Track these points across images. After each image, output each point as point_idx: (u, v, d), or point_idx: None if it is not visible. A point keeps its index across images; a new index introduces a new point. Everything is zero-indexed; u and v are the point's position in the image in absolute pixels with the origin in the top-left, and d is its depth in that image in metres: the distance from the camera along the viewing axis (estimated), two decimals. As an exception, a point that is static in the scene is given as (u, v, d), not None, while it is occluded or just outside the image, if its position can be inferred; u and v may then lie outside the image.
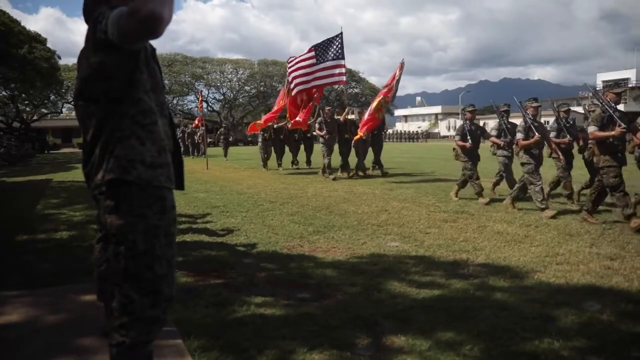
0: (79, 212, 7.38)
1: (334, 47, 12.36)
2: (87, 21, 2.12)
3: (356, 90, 75.32)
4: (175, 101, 65.23)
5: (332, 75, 12.49)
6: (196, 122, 26.45)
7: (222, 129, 26.26)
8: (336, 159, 12.90)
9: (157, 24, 1.65)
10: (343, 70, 12.33)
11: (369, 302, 3.39)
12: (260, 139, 15.88)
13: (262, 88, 69.83)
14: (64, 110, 52.61)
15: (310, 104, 13.74)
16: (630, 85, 69.60)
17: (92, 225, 5.88)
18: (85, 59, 1.94)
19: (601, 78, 76.17)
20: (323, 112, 12.69)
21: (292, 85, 13.14)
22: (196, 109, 49.51)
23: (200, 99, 22.94)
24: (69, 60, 42.29)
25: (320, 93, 14.16)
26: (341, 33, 12.48)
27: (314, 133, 12.21)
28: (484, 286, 3.70)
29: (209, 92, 67.16)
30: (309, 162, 16.22)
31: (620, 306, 3.24)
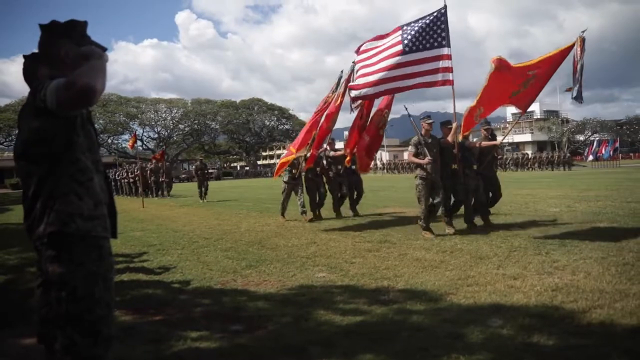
0: (13, 256, 7.28)
1: (434, 29, 7.87)
2: (26, 80, 2.32)
3: (287, 126, 77.03)
4: (110, 140, 64.60)
5: (433, 71, 7.84)
6: (157, 156, 23.97)
7: (199, 163, 20.70)
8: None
9: (90, 96, 1.89)
10: (449, 63, 7.76)
11: (298, 330, 3.64)
12: (286, 177, 10.77)
13: (195, 126, 70.69)
14: (-6, 151, 50.56)
15: (373, 118, 9.78)
16: (535, 117, 76.70)
17: (29, 269, 5.82)
18: (26, 124, 2.10)
19: (510, 111, 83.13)
20: (420, 127, 7.94)
21: (360, 91, 8.50)
22: (129, 147, 49.05)
23: (133, 137, 22.35)
24: (-1, 101, 40.59)
25: (390, 100, 9.70)
26: (445, 7, 7.86)
27: (413, 160, 7.83)
28: (402, 310, 4.03)
29: (143, 131, 67.12)
30: (356, 204, 11.26)
31: (519, 320, 3.62)
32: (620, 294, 4.13)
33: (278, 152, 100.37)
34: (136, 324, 3.90)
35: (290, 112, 79.97)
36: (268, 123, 79.09)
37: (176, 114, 70.43)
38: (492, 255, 5.95)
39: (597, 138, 58.14)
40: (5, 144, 57.89)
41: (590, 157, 43.50)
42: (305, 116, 60.11)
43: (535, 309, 3.89)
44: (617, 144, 44.33)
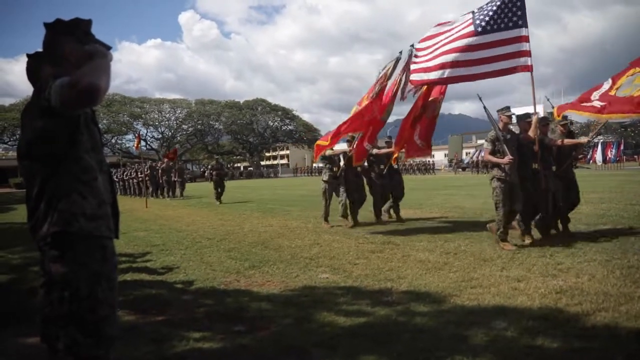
0: (17, 255, 7.31)
1: (509, 7, 6.97)
2: (30, 80, 2.32)
3: (290, 127, 77.23)
4: (113, 140, 65.06)
5: (511, 55, 6.97)
6: (170, 155, 23.31)
7: (214, 163, 19.31)
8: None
9: (94, 95, 1.89)
10: (527, 46, 6.90)
11: (301, 332, 3.63)
12: (326, 177, 9.72)
13: (199, 126, 71.08)
14: (-1, 150, 51.06)
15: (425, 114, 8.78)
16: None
17: (32, 268, 5.85)
18: (30, 123, 2.10)
19: (515, 112, 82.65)
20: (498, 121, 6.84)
21: (422, 76, 7.65)
22: (134, 147, 49.49)
23: (137, 138, 22.48)
24: (3, 100, 40.86)
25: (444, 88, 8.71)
26: None
27: (490, 159, 6.69)
28: (405, 312, 4.02)
29: (147, 131, 67.58)
30: (397, 208, 10.38)
31: (522, 323, 3.61)
32: (624, 296, 4.11)
33: (281, 152, 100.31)
34: (139, 324, 3.91)
35: (294, 112, 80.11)
36: (272, 124, 79.14)
37: (180, 114, 70.84)
38: (496, 257, 5.93)
39: (601, 140, 57.89)
40: (9, 143, 58.30)
41: (600, 160, 43.26)
42: (309, 117, 60.04)
43: (539, 312, 3.87)
44: (622, 146, 44.15)
